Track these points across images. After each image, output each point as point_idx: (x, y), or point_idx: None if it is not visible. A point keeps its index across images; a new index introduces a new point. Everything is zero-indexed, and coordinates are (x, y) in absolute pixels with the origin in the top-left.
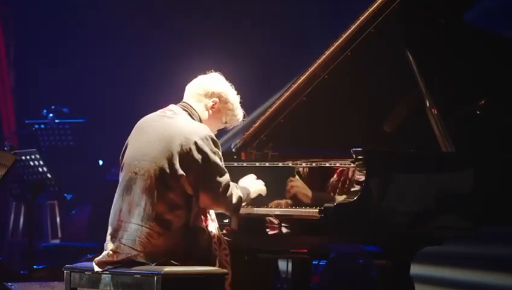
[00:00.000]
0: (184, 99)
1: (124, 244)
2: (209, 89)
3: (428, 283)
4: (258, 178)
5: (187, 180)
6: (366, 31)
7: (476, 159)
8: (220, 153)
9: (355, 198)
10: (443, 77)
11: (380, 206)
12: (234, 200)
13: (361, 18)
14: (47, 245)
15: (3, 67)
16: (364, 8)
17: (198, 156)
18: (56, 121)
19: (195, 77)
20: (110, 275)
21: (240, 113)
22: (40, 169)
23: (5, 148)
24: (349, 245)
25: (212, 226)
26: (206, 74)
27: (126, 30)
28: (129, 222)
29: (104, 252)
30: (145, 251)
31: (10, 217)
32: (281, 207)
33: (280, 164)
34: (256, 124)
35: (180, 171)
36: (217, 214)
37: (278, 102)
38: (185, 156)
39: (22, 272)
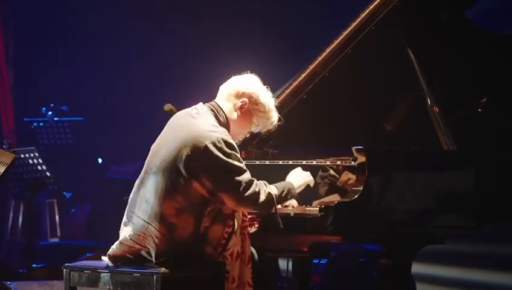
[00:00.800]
0: (216, 99)
1: (130, 237)
2: (240, 89)
3: (429, 282)
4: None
5: (199, 184)
6: (366, 28)
7: (477, 157)
8: (238, 155)
9: (355, 197)
10: (444, 75)
11: (380, 204)
12: (262, 197)
13: (362, 15)
14: (46, 244)
15: (2, 65)
16: (365, 6)
17: (209, 160)
18: (55, 119)
19: (195, 76)
20: (109, 274)
21: (273, 116)
22: (39, 167)
23: (4, 147)
24: (349, 244)
25: (237, 241)
26: (239, 74)
27: (125, 29)
28: (137, 216)
29: (116, 243)
30: (147, 247)
31: (9, 215)
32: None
33: (280, 162)
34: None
35: (190, 175)
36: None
37: (279, 100)
38: (195, 159)
39: (21, 270)
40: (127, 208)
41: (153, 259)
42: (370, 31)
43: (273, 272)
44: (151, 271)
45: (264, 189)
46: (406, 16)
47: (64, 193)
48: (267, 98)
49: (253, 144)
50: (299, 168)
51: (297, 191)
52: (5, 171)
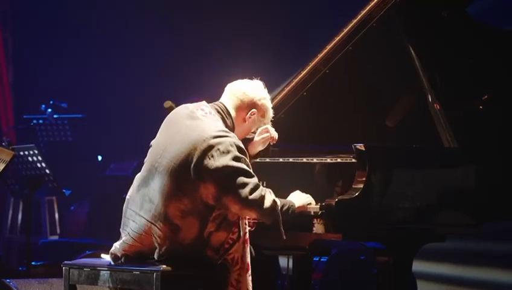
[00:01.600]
0: (222, 100)
1: (131, 236)
2: (253, 100)
3: (430, 279)
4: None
5: (206, 188)
6: (367, 25)
7: (478, 154)
8: (247, 160)
9: (356, 194)
10: (445, 72)
11: (381, 202)
12: (267, 203)
13: (363, 12)
14: (45, 241)
15: (1, 62)
16: (365, 3)
17: (219, 164)
18: (54, 116)
19: (195, 73)
20: (109, 272)
21: (268, 121)
22: (39, 165)
23: (3, 144)
24: (350, 242)
25: (238, 247)
26: (251, 79)
27: (125, 26)
28: (139, 215)
29: (119, 241)
30: (149, 247)
31: (8, 213)
32: None
33: (281, 160)
34: None
35: (198, 178)
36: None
37: (279, 97)
38: (206, 163)
39: (20, 268)
40: (125, 207)
41: (155, 258)
42: (371, 28)
43: (271, 270)
44: (151, 269)
45: (270, 196)
46: (407, 13)
47: (64, 191)
48: (271, 110)
49: None
50: (298, 191)
51: (298, 209)
52: (4, 168)
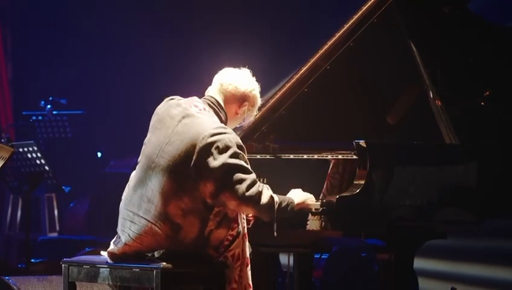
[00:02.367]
0: (211, 94)
1: (131, 237)
2: (244, 92)
3: (431, 277)
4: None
5: (205, 186)
6: (368, 21)
7: (479, 151)
8: (245, 156)
9: (357, 191)
10: (447, 68)
11: (382, 199)
12: (264, 199)
13: (364, 8)
14: (45, 239)
15: (0, 59)
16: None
17: (219, 161)
18: (54, 112)
19: (195, 69)
20: (108, 269)
21: (256, 109)
22: (38, 161)
23: (2, 140)
24: (351, 239)
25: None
26: (239, 68)
27: (125, 22)
28: (138, 215)
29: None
30: (150, 247)
31: (7, 210)
32: None
33: (281, 156)
34: (256, 116)
35: (198, 176)
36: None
37: (280, 93)
38: (205, 160)
39: (19, 265)
40: (122, 207)
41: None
42: (372, 24)
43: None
44: (150, 266)
45: (267, 192)
46: (408, 9)
47: (63, 187)
48: (259, 99)
49: (254, 138)
50: (299, 189)
51: (297, 206)
52: (3, 165)
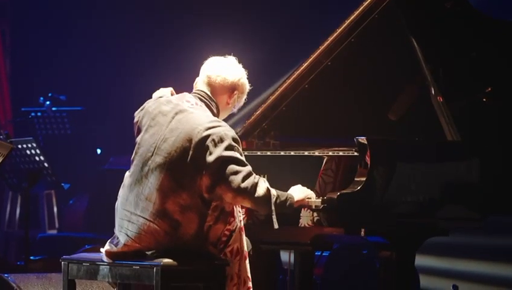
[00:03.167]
0: (200, 87)
1: (130, 237)
2: (233, 82)
3: (433, 274)
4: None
5: (202, 181)
6: (370, 17)
7: (481, 148)
8: (240, 149)
9: (358, 188)
10: (448, 65)
11: (383, 196)
12: (260, 191)
13: (365, 4)
14: (44, 236)
15: None
16: None
17: (214, 154)
18: (53, 109)
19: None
20: (108, 267)
21: (245, 95)
22: (37, 158)
23: (1, 137)
24: (352, 236)
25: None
26: (225, 57)
27: (125, 18)
28: (136, 214)
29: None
30: (149, 246)
31: (6, 207)
32: None
33: (282, 153)
34: (257, 112)
35: (195, 171)
36: None
37: (280, 89)
38: (201, 154)
39: (18, 263)
40: (118, 207)
41: (156, 257)
42: (373, 20)
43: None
44: (150, 263)
45: (263, 184)
46: (410, 5)
47: (63, 184)
48: (248, 84)
49: (254, 135)
50: (299, 185)
51: (297, 203)
52: (2, 162)
